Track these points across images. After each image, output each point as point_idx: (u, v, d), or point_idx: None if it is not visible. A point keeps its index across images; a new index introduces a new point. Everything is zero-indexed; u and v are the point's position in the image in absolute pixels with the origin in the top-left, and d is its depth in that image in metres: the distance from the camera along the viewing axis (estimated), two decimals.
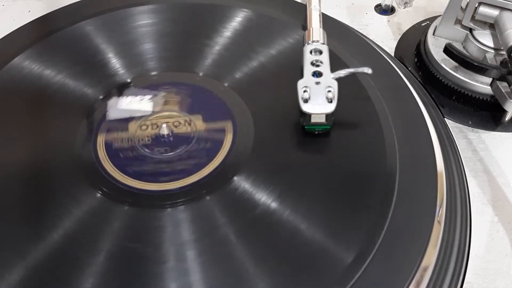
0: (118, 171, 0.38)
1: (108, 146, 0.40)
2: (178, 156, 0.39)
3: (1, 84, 0.44)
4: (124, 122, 0.41)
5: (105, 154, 0.39)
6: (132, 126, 0.41)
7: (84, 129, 0.41)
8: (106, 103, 0.42)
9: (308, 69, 0.40)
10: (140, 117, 0.41)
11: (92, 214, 0.36)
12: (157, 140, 0.40)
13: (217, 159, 0.39)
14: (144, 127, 0.41)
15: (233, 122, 0.41)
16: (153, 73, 0.45)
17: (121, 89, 0.43)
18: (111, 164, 0.39)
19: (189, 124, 0.41)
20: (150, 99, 0.42)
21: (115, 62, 0.46)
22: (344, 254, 0.33)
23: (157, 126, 0.41)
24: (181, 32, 0.49)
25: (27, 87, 0.44)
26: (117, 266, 0.33)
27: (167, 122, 0.41)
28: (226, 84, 0.44)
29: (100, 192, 0.37)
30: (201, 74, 0.45)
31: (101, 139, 0.40)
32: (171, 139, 0.40)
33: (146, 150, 0.39)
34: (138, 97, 0.42)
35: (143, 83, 0.44)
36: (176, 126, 0.41)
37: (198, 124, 0.41)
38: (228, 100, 0.43)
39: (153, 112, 0.42)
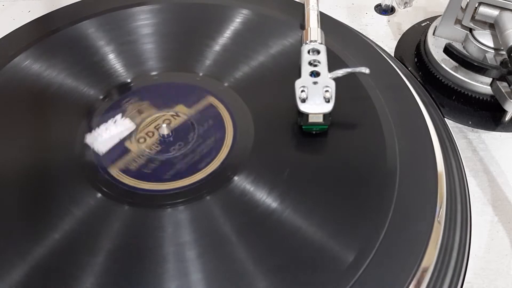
0: (118, 170, 0.38)
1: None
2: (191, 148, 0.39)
3: (1, 84, 0.44)
4: (119, 147, 0.40)
5: None
6: (131, 145, 0.40)
7: (84, 129, 0.41)
8: (86, 143, 0.40)
9: (305, 69, 0.40)
10: (130, 135, 0.40)
11: (92, 214, 0.36)
12: (165, 142, 0.40)
13: (217, 158, 0.39)
14: (142, 140, 0.40)
15: (233, 122, 0.41)
16: (153, 73, 0.45)
17: (89, 121, 0.41)
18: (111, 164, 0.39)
19: (178, 116, 0.41)
20: (122, 117, 0.41)
21: (115, 62, 0.46)
22: (344, 254, 0.33)
23: (153, 133, 0.40)
24: (181, 32, 0.49)
25: (27, 87, 0.44)
26: (117, 266, 0.33)
27: (157, 125, 0.41)
28: (226, 84, 0.44)
29: (100, 192, 0.37)
30: (201, 74, 0.45)
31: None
32: (173, 134, 0.40)
33: (165, 154, 0.39)
34: (110, 122, 0.41)
35: (143, 83, 0.44)
36: (168, 124, 0.41)
37: (184, 111, 0.42)
38: (206, 85, 0.44)
39: (137, 125, 0.41)
